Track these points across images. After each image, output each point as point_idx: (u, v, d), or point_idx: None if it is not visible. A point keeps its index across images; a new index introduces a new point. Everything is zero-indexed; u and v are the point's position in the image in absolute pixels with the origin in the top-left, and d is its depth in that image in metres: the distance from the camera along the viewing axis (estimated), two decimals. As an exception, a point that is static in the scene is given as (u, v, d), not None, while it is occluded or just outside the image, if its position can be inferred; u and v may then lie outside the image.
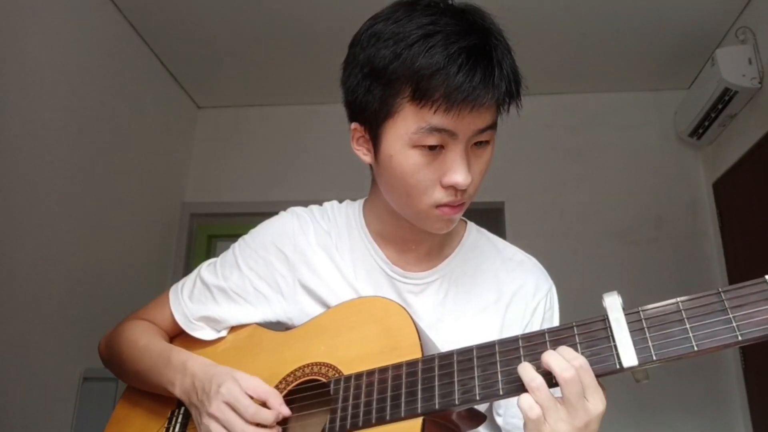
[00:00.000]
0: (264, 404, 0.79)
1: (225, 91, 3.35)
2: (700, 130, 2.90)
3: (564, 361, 0.63)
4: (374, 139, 0.80)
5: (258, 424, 0.77)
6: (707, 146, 3.05)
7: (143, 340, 0.93)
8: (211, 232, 3.37)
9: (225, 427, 0.76)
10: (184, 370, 0.85)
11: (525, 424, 0.65)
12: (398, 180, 0.78)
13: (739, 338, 0.58)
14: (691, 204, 3.08)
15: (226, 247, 0.99)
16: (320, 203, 1.00)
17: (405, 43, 0.74)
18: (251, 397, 0.78)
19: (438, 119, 0.73)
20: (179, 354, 0.88)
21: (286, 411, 0.79)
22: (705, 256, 2.98)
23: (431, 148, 0.75)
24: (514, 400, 0.84)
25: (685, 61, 2.97)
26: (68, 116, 2.32)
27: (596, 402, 0.63)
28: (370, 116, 0.79)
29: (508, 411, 0.87)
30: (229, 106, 3.48)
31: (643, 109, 3.23)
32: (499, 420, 0.88)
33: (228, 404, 0.77)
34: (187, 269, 3.09)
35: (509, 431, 0.87)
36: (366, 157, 0.84)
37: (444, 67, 0.71)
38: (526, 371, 0.65)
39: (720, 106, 2.67)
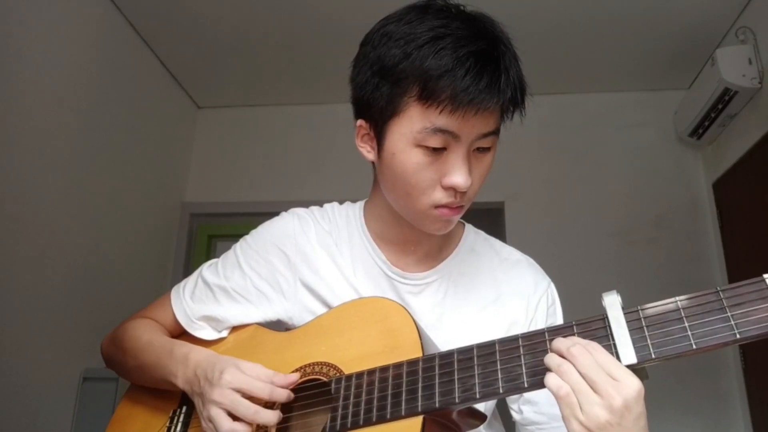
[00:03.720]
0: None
1: (225, 91, 3.35)
2: (700, 130, 2.90)
3: (567, 342, 0.63)
4: (379, 137, 0.81)
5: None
6: (707, 146, 3.05)
7: (146, 336, 0.94)
8: (211, 232, 3.37)
9: (230, 411, 0.76)
10: (186, 361, 0.86)
11: (560, 410, 0.63)
12: (399, 178, 0.79)
13: (738, 336, 0.58)
14: (691, 204, 3.08)
15: (226, 247, 1.00)
16: (321, 204, 1.00)
17: (415, 43, 0.75)
18: None
19: (443, 120, 0.74)
20: (182, 347, 0.89)
21: (292, 378, 0.80)
22: (705, 256, 2.98)
23: (434, 149, 0.76)
24: (536, 396, 0.85)
25: (685, 61, 2.97)
26: (68, 116, 2.32)
27: (627, 378, 0.60)
28: (376, 113, 0.80)
29: (528, 407, 0.88)
30: (229, 106, 3.48)
31: (643, 109, 3.23)
32: (517, 417, 0.89)
33: (236, 390, 0.77)
34: (187, 269, 3.10)
35: (525, 425, 0.89)
36: (369, 154, 0.85)
37: (452, 69, 0.72)
38: (552, 359, 0.64)
39: (720, 106, 2.67)
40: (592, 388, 0.60)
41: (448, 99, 0.73)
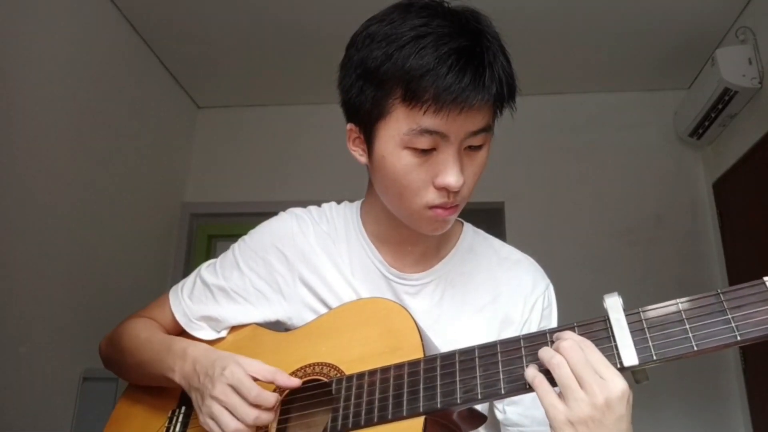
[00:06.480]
0: (272, 384, 0.79)
1: (225, 91, 3.35)
2: (700, 130, 2.90)
3: (564, 339, 0.64)
4: (368, 140, 0.80)
5: (260, 408, 0.77)
6: (707, 146, 3.05)
7: (145, 333, 0.94)
8: (211, 232, 3.37)
9: (227, 409, 0.76)
10: (184, 355, 0.85)
11: (540, 394, 0.64)
12: (391, 180, 0.79)
13: (738, 338, 0.59)
14: (691, 204, 3.08)
15: (226, 247, 0.99)
16: (319, 204, 1.00)
17: (397, 44, 0.74)
18: (256, 380, 0.78)
19: (428, 121, 0.73)
20: (180, 342, 0.89)
21: (295, 382, 0.79)
22: (705, 256, 2.98)
23: (423, 150, 0.75)
24: (521, 398, 0.85)
25: (685, 61, 2.97)
26: (68, 116, 2.32)
27: (613, 378, 0.61)
28: (363, 117, 0.79)
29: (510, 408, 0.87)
30: (229, 106, 3.48)
31: (643, 109, 3.23)
32: (500, 416, 0.89)
33: (232, 387, 0.77)
34: (187, 269, 3.09)
35: (507, 426, 0.88)
36: (362, 157, 0.84)
37: (433, 68, 0.71)
38: (546, 352, 0.65)
39: (720, 106, 2.67)
40: (579, 383, 0.61)
41: (432, 99, 0.72)
